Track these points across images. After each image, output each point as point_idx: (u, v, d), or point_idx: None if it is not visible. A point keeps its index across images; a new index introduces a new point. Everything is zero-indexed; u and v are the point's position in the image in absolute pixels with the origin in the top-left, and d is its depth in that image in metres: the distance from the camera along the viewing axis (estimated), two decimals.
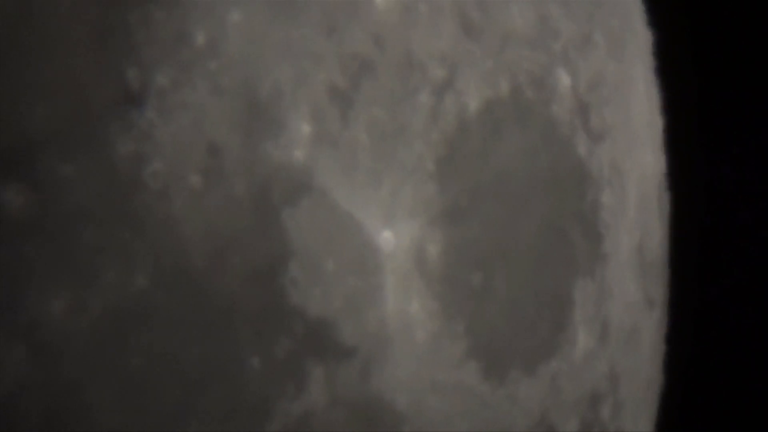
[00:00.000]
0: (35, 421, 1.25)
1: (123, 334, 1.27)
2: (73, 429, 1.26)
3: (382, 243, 1.40)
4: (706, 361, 2.89)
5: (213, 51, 1.29)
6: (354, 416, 1.39)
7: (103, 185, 1.25)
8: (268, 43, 1.32)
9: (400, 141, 1.41)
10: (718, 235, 2.93)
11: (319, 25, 1.35)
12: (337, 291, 1.37)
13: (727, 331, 2.94)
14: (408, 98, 1.42)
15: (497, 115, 1.50)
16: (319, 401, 1.36)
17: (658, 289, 1.87)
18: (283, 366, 1.34)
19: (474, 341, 1.48)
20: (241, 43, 1.31)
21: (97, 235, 1.25)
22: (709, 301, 2.90)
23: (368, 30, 1.39)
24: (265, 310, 1.32)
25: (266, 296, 1.32)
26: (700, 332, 2.84)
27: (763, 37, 2.89)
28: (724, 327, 2.93)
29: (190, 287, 1.29)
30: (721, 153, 2.92)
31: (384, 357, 1.40)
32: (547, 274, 1.58)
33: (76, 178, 1.25)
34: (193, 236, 1.28)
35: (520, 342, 1.54)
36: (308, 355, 1.35)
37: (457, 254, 1.47)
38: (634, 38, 1.80)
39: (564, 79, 1.59)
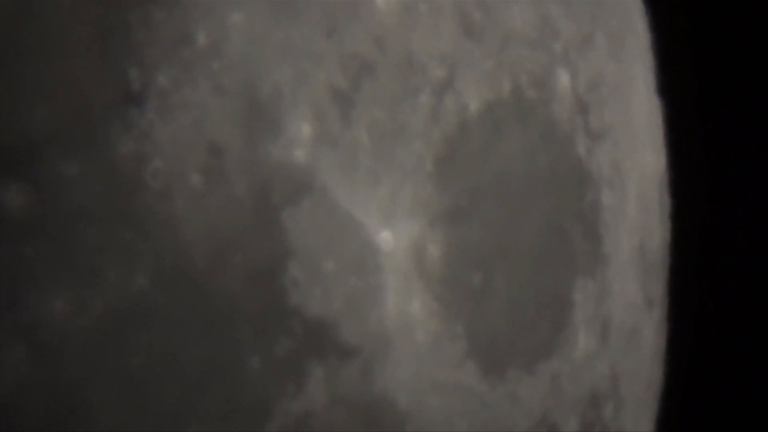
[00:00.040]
0: (35, 421, 1.25)
1: (123, 334, 1.27)
2: (74, 429, 1.26)
3: (383, 243, 1.40)
4: (706, 361, 2.89)
5: (214, 51, 1.29)
6: (354, 416, 1.39)
7: (103, 185, 1.26)
8: (268, 44, 1.32)
9: (401, 141, 1.41)
10: (718, 235, 2.93)
11: (319, 26, 1.35)
12: (338, 291, 1.37)
13: (727, 331, 2.94)
14: (408, 98, 1.42)
15: (497, 115, 1.50)
16: (320, 401, 1.36)
17: (659, 289, 1.87)
18: (284, 366, 1.34)
19: (474, 341, 1.48)
20: (242, 43, 1.31)
21: (97, 235, 1.25)
22: (709, 301, 2.90)
23: (368, 30, 1.39)
24: (266, 310, 1.33)
25: (266, 296, 1.32)
26: (700, 332, 2.84)
27: (763, 37, 2.89)
28: (724, 327, 2.93)
29: (190, 287, 1.29)
30: (721, 153, 2.92)
31: (384, 357, 1.40)
32: (548, 274, 1.58)
33: (77, 178, 1.25)
34: (193, 236, 1.28)
35: (520, 342, 1.54)
36: (308, 355, 1.35)
37: (458, 254, 1.47)
38: (634, 38, 1.80)
39: (564, 79, 1.59)
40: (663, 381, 1.96)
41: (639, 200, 1.77)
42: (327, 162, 1.35)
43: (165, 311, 1.28)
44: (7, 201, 1.23)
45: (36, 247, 1.24)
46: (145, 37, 1.27)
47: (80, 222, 1.25)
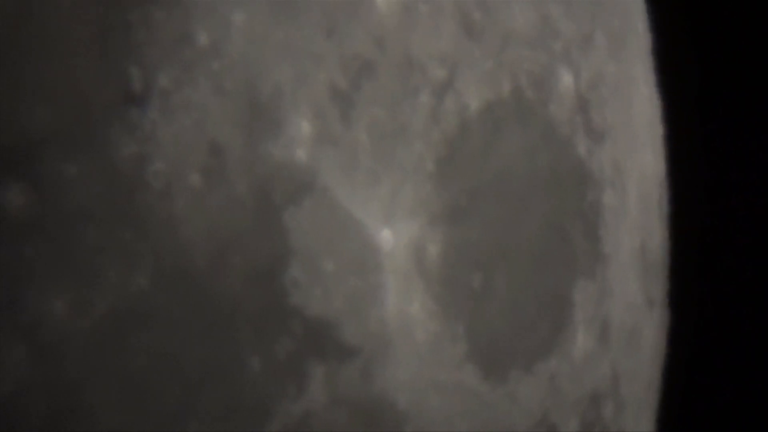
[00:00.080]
0: (35, 421, 1.25)
1: (123, 334, 1.27)
2: (74, 429, 1.26)
3: (383, 243, 1.40)
4: (706, 361, 2.89)
5: (214, 51, 1.29)
6: (355, 416, 1.39)
7: (104, 185, 1.25)
8: (269, 44, 1.32)
9: (401, 141, 1.41)
10: (718, 235, 2.93)
11: (319, 26, 1.35)
12: (338, 291, 1.37)
13: (727, 331, 2.94)
14: (408, 98, 1.42)
15: (498, 115, 1.50)
16: (320, 401, 1.36)
17: (659, 290, 1.87)
18: (284, 366, 1.34)
19: (474, 341, 1.48)
20: (242, 44, 1.31)
21: (98, 235, 1.25)
22: (709, 301, 2.90)
23: (369, 30, 1.39)
24: (266, 310, 1.32)
25: (267, 296, 1.32)
26: (701, 332, 2.84)
27: (763, 37, 2.89)
28: (724, 327, 2.93)
29: (191, 287, 1.29)
30: (721, 153, 2.92)
31: (385, 357, 1.40)
32: (548, 274, 1.58)
33: (77, 178, 1.25)
34: (194, 236, 1.28)
35: (520, 342, 1.54)
36: (309, 355, 1.35)
37: (458, 254, 1.47)
38: (634, 38, 1.80)
39: (565, 79, 1.59)
40: (663, 381, 1.96)
41: (639, 200, 1.77)
42: (327, 162, 1.35)
43: (165, 311, 1.28)
44: (7, 201, 1.23)
45: (36, 247, 1.24)
46: (146, 37, 1.27)
47: (80, 222, 1.25)
